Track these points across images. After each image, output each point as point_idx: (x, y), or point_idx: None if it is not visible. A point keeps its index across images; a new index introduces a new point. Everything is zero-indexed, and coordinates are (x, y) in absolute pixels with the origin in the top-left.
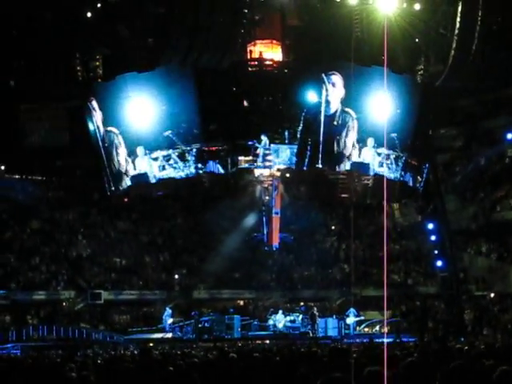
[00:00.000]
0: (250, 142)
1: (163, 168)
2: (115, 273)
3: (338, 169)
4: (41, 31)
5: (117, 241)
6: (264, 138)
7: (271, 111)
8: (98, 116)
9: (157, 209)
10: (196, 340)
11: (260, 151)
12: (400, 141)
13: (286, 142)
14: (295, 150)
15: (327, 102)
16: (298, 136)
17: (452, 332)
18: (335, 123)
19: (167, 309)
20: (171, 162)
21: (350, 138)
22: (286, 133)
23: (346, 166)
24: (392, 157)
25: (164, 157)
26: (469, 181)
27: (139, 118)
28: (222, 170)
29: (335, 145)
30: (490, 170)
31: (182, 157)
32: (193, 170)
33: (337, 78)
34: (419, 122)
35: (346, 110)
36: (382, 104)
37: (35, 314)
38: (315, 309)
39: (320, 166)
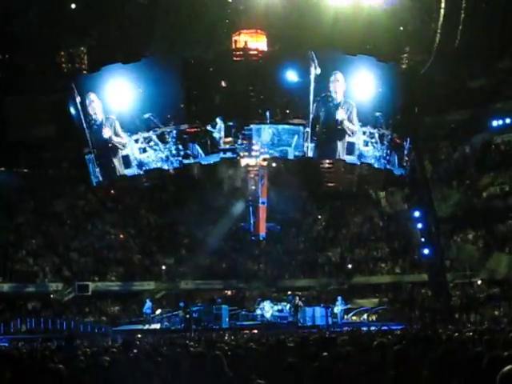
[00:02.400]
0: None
1: (144, 150)
2: (103, 264)
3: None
4: (25, 23)
5: (104, 232)
6: (219, 122)
7: (249, 93)
8: (96, 105)
9: (144, 200)
10: (190, 331)
11: (216, 135)
12: (385, 119)
13: (268, 121)
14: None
15: (333, 93)
16: (317, 129)
17: (439, 319)
18: (342, 110)
19: (147, 301)
20: (152, 143)
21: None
22: (268, 113)
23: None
24: (376, 135)
25: (145, 139)
26: (455, 168)
27: (119, 103)
28: (201, 152)
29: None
30: (476, 158)
31: (161, 138)
32: (174, 152)
33: (340, 76)
34: (403, 100)
35: (348, 100)
36: (365, 83)
37: (23, 307)
38: (297, 298)
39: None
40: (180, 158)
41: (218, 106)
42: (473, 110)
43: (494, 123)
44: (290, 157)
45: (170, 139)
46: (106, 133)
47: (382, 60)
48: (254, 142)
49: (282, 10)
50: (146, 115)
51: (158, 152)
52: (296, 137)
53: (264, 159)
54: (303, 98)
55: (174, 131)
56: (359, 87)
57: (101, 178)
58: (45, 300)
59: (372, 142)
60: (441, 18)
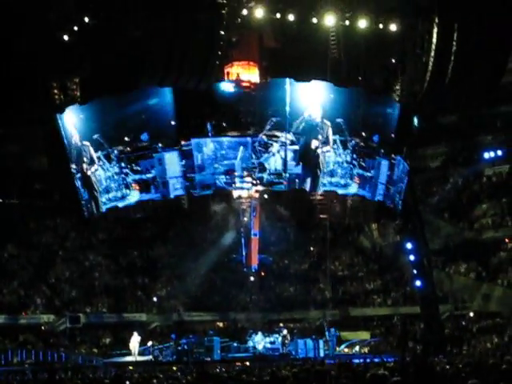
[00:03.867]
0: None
1: (96, 169)
2: (94, 296)
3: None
4: (17, 54)
5: (95, 264)
6: (144, 137)
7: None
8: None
9: (135, 231)
10: (188, 364)
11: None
12: (346, 125)
13: (210, 134)
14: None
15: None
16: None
17: (432, 351)
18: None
19: (135, 334)
20: (101, 162)
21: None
22: (209, 125)
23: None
24: (338, 141)
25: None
26: (447, 200)
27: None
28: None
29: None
30: (468, 190)
31: (107, 158)
32: (117, 170)
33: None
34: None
35: (324, 121)
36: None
37: (14, 338)
38: (285, 331)
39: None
40: (123, 176)
41: (146, 124)
42: (464, 142)
43: (486, 155)
44: (238, 171)
45: (113, 158)
46: (84, 167)
47: (373, 92)
48: (194, 158)
49: (274, 42)
50: (95, 136)
51: (105, 171)
52: (242, 148)
53: (256, 191)
54: (251, 110)
55: (115, 151)
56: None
57: (91, 210)
58: (36, 332)
59: (334, 149)
60: (432, 51)
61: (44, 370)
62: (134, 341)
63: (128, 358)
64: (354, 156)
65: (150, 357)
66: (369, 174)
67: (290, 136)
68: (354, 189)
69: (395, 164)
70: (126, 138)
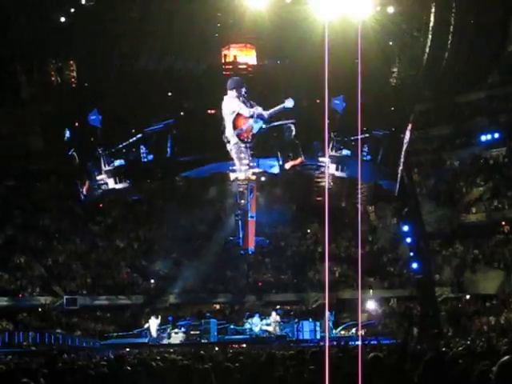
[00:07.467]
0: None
1: None
2: (91, 278)
3: None
4: (14, 36)
5: (92, 246)
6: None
7: None
8: None
9: (132, 214)
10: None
11: None
12: None
13: None
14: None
15: None
16: None
17: (428, 334)
18: None
19: (153, 317)
20: None
21: None
22: None
23: None
24: None
25: None
26: (443, 183)
27: None
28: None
29: None
30: (464, 173)
31: None
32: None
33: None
34: None
35: None
36: None
37: (10, 320)
38: (273, 314)
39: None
40: None
41: None
42: (461, 125)
43: (483, 138)
44: None
45: None
46: None
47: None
48: None
49: (270, 24)
50: None
51: None
52: None
53: (253, 173)
54: None
55: None
56: None
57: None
58: (33, 314)
59: None
60: (429, 33)
61: (42, 352)
62: (153, 323)
63: (125, 340)
64: None
65: (147, 339)
66: None
67: None
68: None
69: None
70: None
